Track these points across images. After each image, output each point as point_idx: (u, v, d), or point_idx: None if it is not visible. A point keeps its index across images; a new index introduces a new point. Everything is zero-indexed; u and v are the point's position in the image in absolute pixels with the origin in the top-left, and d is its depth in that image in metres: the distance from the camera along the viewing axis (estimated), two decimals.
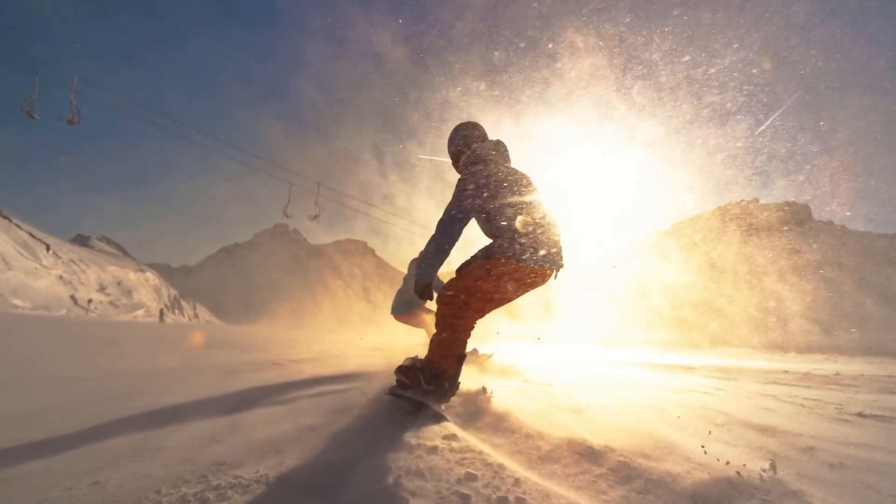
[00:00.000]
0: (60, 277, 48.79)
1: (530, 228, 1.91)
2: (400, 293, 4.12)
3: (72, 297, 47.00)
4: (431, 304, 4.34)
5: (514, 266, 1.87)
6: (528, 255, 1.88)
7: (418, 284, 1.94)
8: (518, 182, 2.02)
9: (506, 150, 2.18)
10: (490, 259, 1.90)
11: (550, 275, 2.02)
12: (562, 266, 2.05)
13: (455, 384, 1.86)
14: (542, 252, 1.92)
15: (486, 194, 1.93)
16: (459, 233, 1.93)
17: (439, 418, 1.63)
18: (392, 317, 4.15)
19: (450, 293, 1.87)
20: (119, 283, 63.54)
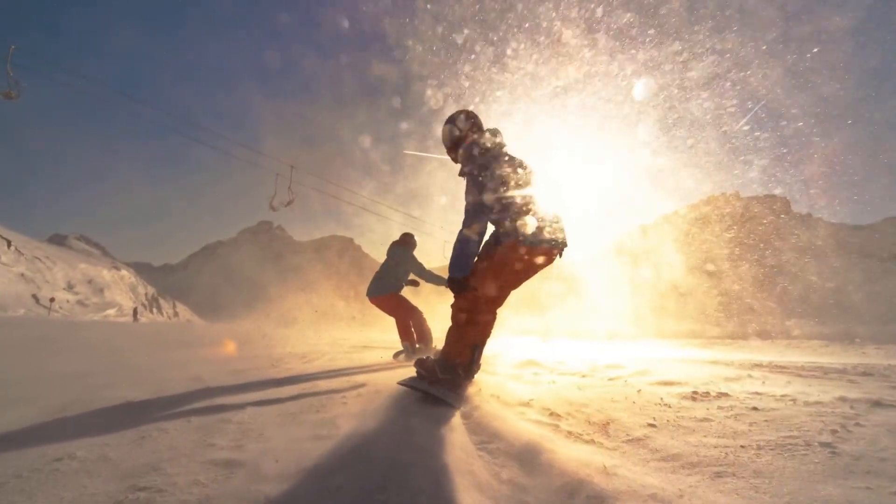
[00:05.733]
0: (21, 275, 45.85)
1: (533, 212, 1.97)
2: (377, 276, 4.18)
3: (33, 295, 44.20)
4: (408, 293, 4.18)
5: (522, 250, 1.93)
6: (533, 237, 1.94)
7: (453, 281, 1.99)
8: (520, 169, 2.06)
9: (502, 138, 2.20)
10: (498, 245, 1.98)
11: (556, 254, 2.08)
12: (566, 245, 2.09)
13: (470, 373, 1.95)
14: (546, 234, 1.99)
15: (494, 184, 1.97)
16: (486, 225, 2.00)
17: (449, 407, 1.65)
18: (368, 299, 4.18)
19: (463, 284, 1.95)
20: (90, 282, 60.55)
